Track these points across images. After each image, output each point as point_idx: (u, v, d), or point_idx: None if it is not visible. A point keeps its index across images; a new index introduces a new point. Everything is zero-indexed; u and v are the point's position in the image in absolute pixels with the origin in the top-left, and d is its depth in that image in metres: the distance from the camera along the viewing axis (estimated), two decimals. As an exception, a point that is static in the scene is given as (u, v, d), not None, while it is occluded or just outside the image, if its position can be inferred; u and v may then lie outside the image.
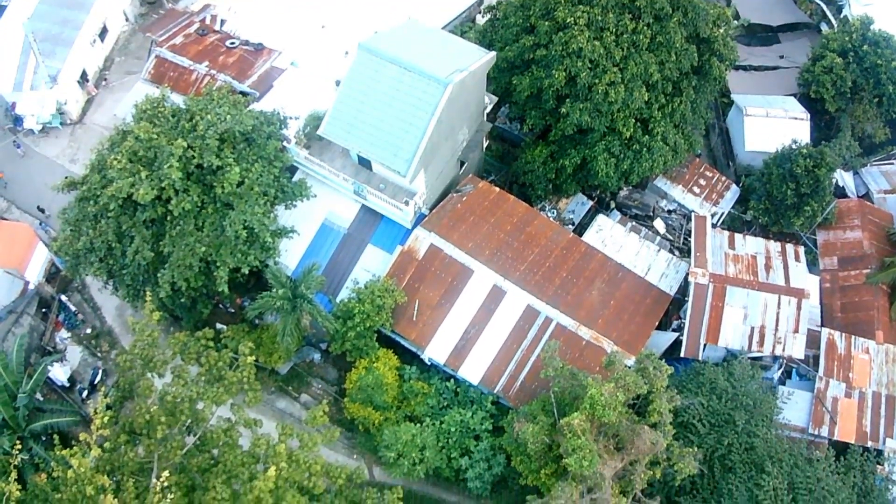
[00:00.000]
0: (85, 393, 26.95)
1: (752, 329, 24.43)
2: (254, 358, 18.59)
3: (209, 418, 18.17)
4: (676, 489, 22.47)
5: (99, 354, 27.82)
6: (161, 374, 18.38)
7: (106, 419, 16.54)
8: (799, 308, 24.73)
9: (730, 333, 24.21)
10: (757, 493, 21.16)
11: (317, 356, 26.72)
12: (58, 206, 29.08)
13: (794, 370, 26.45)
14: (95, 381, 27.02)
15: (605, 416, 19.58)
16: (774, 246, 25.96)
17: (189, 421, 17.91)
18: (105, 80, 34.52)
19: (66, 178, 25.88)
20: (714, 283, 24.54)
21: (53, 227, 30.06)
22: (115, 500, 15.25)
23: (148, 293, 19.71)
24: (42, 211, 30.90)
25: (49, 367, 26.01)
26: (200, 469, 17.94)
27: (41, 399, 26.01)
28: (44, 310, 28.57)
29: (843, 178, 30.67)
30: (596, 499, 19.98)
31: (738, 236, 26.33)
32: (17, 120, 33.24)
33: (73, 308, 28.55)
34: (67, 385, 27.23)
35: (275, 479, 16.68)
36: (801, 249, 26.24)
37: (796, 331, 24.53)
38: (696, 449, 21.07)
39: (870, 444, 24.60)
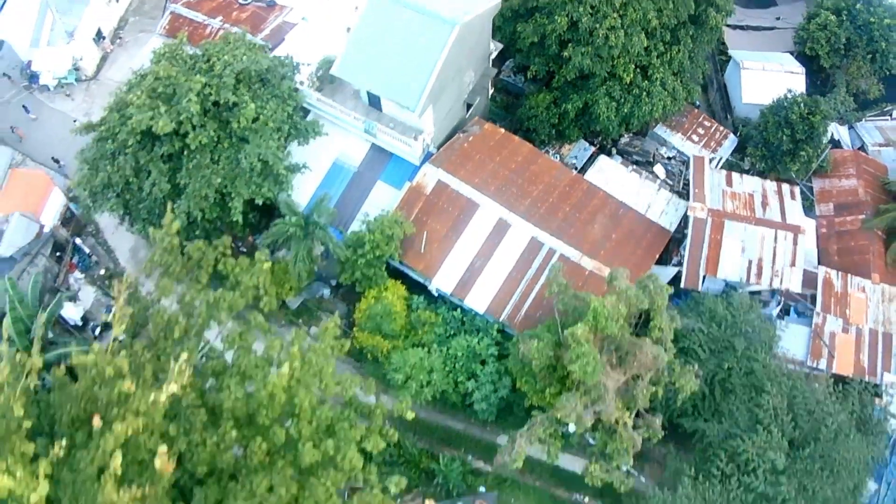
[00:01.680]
0: (98, 330, 28.66)
1: (750, 262, 26.27)
2: (269, 264, 20.30)
3: (226, 321, 19.81)
4: (678, 411, 24.11)
5: (112, 295, 29.53)
6: (180, 279, 20.05)
7: (124, 320, 18.06)
8: (795, 243, 26.60)
9: (728, 265, 26.04)
10: (757, 412, 22.82)
11: (326, 292, 28.49)
12: (72, 157, 31.29)
13: (792, 308, 28.23)
14: (109, 320, 28.71)
15: (607, 328, 21.33)
16: (771, 185, 27.92)
17: (205, 324, 19.51)
18: (119, 38, 36.74)
19: (84, 122, 27.91)
20: (712, 217, 26.44)
21: (68, 177, 31.97)
22: (133, 384, 16.75)
23: (169, 206, 21.48)
24: (57, 162, 32.85)
25: (63, 303, 27.78)
26: (215, 372, 19.54)
27: (54, 335, 27.73)
28: (58, 253, 30.41)
29: (839, 131, 32.76)
30: (600, 411, 21.68)
31: (735, 175, 28.35)
32: (33, 77, 35.39)
33: (86, 250, 30.40)
34: (81, 324, 28.95)
35: (288, 377, 18.23)
36: (797, 189, 28.19)
37: (793, 264, 26.38)
38: (696, 367, 22.75)
39: (867, 377, 26.27)
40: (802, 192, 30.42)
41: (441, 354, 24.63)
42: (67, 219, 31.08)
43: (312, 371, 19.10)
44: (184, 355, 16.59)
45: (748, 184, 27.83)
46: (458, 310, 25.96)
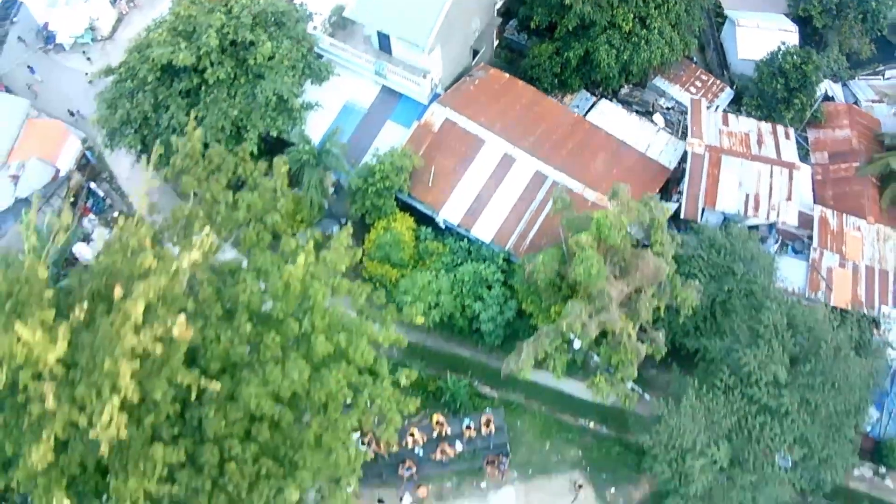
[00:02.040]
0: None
1: (748, 196, 27.41)
2: (287, 167, 21.36)
3: (244, 222, 20.76)
4: (680, 331, 24.90)
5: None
6: (201, 180, 21.08)
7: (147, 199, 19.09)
8: (791, 178, 27.78)
9: (726, 198, 27.17)
10: (757, 328, 23.66)
11: (336, 229, 29.40)
12: (88, 111, 32.65)
13: (790, 246, 29.25)
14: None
15: (610, 237, 22.35)
16: (766, 126, 29.26)
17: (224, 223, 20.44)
18: (133, 1, 38.38)
19: (104, 67, 29.28)
20: (710, 153, 27.67)
21: (84, 129, 33.23)
22: (155, 260, 17.61)
23: (192, 115, 22.57)
24: (73, 115, 34.11)
25: (76, 239, 28.74)
26: (231, 270, 20.44)
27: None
28: (73, 198, 31.43)
29: (832, 88, 34.22)
30: (604, 321, 22.53)
31: (731, 116, 29.74)
32: (49, 38, 36.87)
33: (101, 194, 31.47)
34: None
35: (303, 268, 19.13)
36: (791, 130, 29.48)
37: (789, 199, 27.52)
38: (697, 282, 23.68)
39: (865, 310, 27.15)
40: (798, 143, 31.74)
41: (449, 279, 25.53)
42: (83, 165, 32.20)
43: (326, 268, 20.01)
44: (207, 228, 17.52)
45: (744, 124, 29.17)
46: (465, 240, 26.95)
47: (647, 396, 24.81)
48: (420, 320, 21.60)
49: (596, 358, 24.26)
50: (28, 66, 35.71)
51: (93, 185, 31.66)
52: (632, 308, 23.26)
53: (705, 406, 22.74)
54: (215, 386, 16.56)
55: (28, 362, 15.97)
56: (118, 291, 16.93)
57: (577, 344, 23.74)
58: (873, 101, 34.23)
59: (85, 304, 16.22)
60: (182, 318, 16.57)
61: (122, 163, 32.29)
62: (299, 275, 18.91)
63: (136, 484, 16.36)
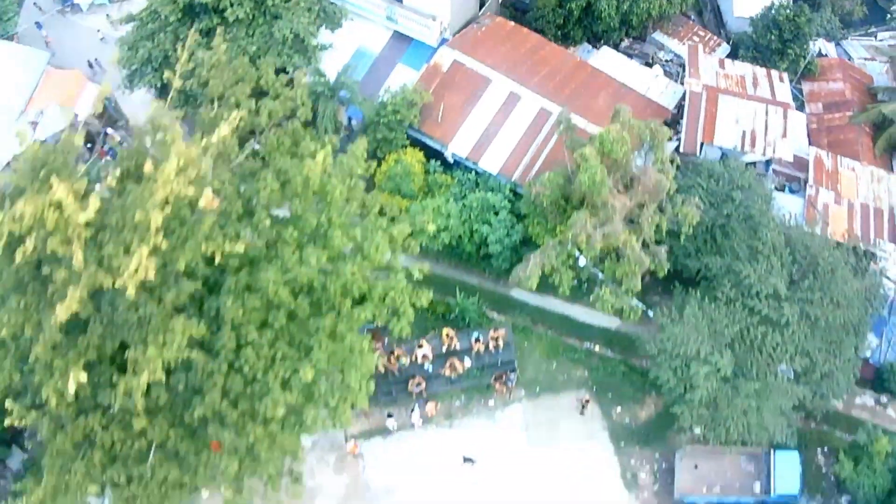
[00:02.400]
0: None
1: (744, 132, 28.76)
2: (308, 79, 22.67)
3: (263, 127, 21.81)
4: (682, 252, 25.88)
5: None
6: (227, 84, 22.29)
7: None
8: (785, 117, 29.18)
9: (724, 134, 28.52)
10: (756, 245, 24.71)
11: (347, 167, 30.65)
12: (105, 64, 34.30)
13: (786, 187, 30.47)
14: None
15: (613, 151, 23.57)
16: (761, 70, 30.80)
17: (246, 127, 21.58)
18: (152, -35, 40.31)
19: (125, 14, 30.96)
20: (707, 91, 29.10)
21: (102, 80, 34.73)
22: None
23: (219, 31, 23.95)
24: (91, 66, 35.63)
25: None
26: (252, 171, 21.51)
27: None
28: (89, 144, 32.68)
29: (826, 47, 35.89)
30: (608, 232, 23.58)
31: (727, 60, 31.34)
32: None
33: (118, 139, 32.73)
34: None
35: (322, 164, 20.22)
36: (785, 75, 30.97)
37: (784, 136, 28.84)
38: (697, 198, 24.78)
39: (861, 245, 28.21)
40: (794, 95, 33.19)
41: (458, 206, 26.64)
42: (101, 114, 33.52)
43: (343, 170, 21.15)
44: (236, 112, 18.67)
45: (739, 68, 30.75)
46: (473, 173, 28.16)
47: (650, 313, 25.67)
48: (431, 228, 22.74)
49: (600, 275, 25.19)
50: (35, 23, 37.42)
51: (110, 130, 33.01)
52: (635, 223, 24.33)
53: (708, 316, 23.66)
54: (239, 247, 17.48)
55: (58, 228, 16.88)
56: (148, 166, 18.03)
57: (582, 261, 24.74)
58: (866, 59, 35.90)
59: (117, 172, 17.27)
60: (209, 189, 17.66)
61: (139, 112, 33.63)
62: (318, 171, 19.99)
63: (155, 352, 17.04)
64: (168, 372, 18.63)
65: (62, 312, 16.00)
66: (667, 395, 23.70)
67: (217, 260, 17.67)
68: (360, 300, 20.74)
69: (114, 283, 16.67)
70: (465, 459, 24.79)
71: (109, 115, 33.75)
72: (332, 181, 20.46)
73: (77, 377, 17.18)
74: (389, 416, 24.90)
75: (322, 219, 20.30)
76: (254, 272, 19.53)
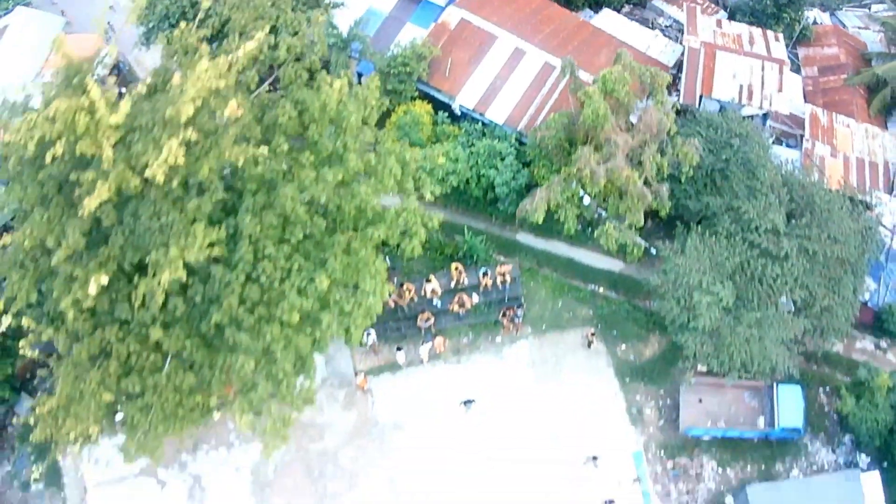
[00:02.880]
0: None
1: (741, 86, 30.18)
2: (324, 19, 23.97)
3: (282, 61, 23.01)
4: (683, 195, 26.93)
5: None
6: (248, 20, 23.50)
7: None
8: (781, 73, 30.62)
9: (722, 87, 30.00)
10: (754, 184, 25.81)
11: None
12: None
13: (783, 142, 31.70)
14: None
15: (615, 91, 24.82)
16: (757, 30, 32.39)
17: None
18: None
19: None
20: (705, 48, 30.56)
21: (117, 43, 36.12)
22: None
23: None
24: (106, 32, 37.03)
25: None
26: (270, 100, 22.68)
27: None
28: (104, 105, 33.94)
29: (821, 17, 37.54)
30: (611, 167, 24.69)
31: (724, 20, 32.86)
32: (84, -25, 40.29)
33: (133, 99, 33.99)
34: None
35: (339, 92, 21.38)
36: (780, 35, 32.46)
37: (780, 90, 30.20)
38: (696, 140, 25.94)
39: (857, 195, 29.32)
40: (790, 60, 34.66)
41: (465, 152, 27.79)
42: (115, 75, 34.85)
43: (358, 101, 22.30)
44: (262, 30, 19.88)
45: (736, 28, 32.40)
46: (479, 124, 29.38)
47: (653, 251, 26.64)
48: (441, 160, 23.89)
49: (604, 214, 26.21)
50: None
51: (124, 90, 34.22)
52: (637, 162, 25.46)
53: (709, 248, 24.68)
54: (263, 151, 18.52)
55: (88, 132, 17.90)
56: (176, 78, 19.18)
57: (586, 199, 25.80)
58: (860, 28, 37.51)
59: (149, 79, 18.40)
60: (234, 101, 18.78)
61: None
62: (335, 97, 21.17)
63: (176, 252, 17.89)
64: (184, 287, 19.61)
65: (92, 202, 16.95)
66: (671, 326, 24.55)
67: (240, 163, 18.76)
68: (374, 222, 21.77)
69: (142, 179, 17.71)
70: (465, 402, 25.47)
71: (123, 76, 35.12)
72: (347, 108, 21.64)
73: (99, 281, 18.09)
74: (399, 349, 25.70)
75: (338, 144, 21.46)
76: (271, 193, 20.61)
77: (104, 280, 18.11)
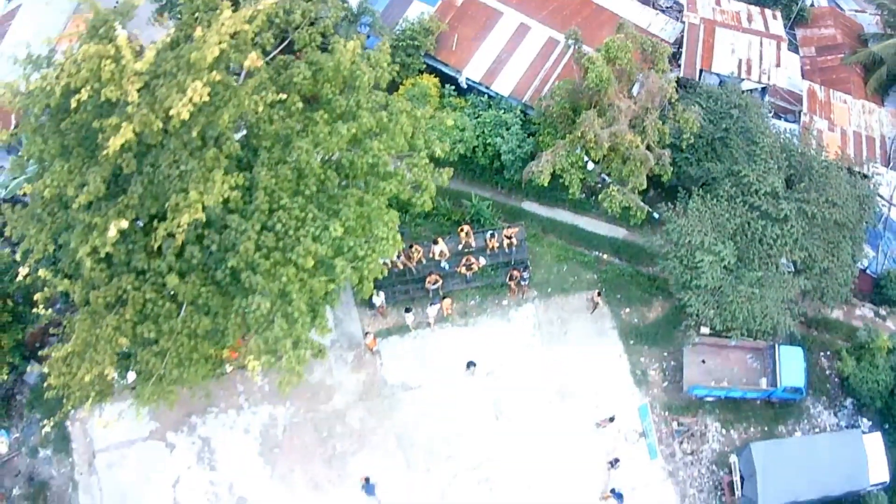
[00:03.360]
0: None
1: (740, 60, 31.22)
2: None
3: (297, 24, 23.91)
4: (684, 163, 27.85)
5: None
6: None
7: None
8: (779, 48, 31.67)
9: (721, 61, 31.01)
10: (754, 150, 26.74)
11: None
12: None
13: (782, 117, 32.70)
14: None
15: (618, 58, 25.82)
16: (755, 8, 33.48)
17: None
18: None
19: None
20: (705, 24, 31.67)
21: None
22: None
23: None
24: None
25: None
26: (285, 63, 23.56)
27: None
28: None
29: (818, 0, 38.68)
30: (615, 131, 25.63)
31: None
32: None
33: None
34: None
35: (352, 52, 22.33)
36: (778, 13, 33.59)
37: (778, 65, 31.27)
38: (697, 107, 26.91)
39: (856, 168, 30.26)
40: (787, 39, 35.84)
41: (472, 122, 28.74)
42: (127, 54, 35.90)
43: (371, 62, 23.25)
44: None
45: (734, 5, 33.46)
46: (486, 96, 30.37)
47: (655, 215, 27.48)
48: (450, 122, 24.74)
49: (608, 179, 27.08)
50: None
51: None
52: (639, 130, 26.40)
53: (710, 210, 25.55)
54: (280, 96, 19.38)
55: (112, 79, 18.74)
56: (199, 31, 20.07)
57: (590, 165, 26.69)
58: (857, 11, 38.73)
59: (173, 31, 19.30)
60: (253, 53, 19.69)
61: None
62: (349, 57, 22.11)
63: (196, 196, 18.65)
64: (200, 238, 20.36)
65: (116, 142, 17.71)
66: (675, 285, 25.33)
67: (259, 111, 19.62)
68: (386, 178, 22.61)
69: (163, 128, 18.54)
70: (468, 364, 26.13)
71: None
72: (360, 67, 22.60)
73: (119, 225, 18.79)
74: (408, 310, 26.42)
75: (351, 102, 22.37)
76: (286, 148, 21.47)
77: (124, 224, 18.83)
